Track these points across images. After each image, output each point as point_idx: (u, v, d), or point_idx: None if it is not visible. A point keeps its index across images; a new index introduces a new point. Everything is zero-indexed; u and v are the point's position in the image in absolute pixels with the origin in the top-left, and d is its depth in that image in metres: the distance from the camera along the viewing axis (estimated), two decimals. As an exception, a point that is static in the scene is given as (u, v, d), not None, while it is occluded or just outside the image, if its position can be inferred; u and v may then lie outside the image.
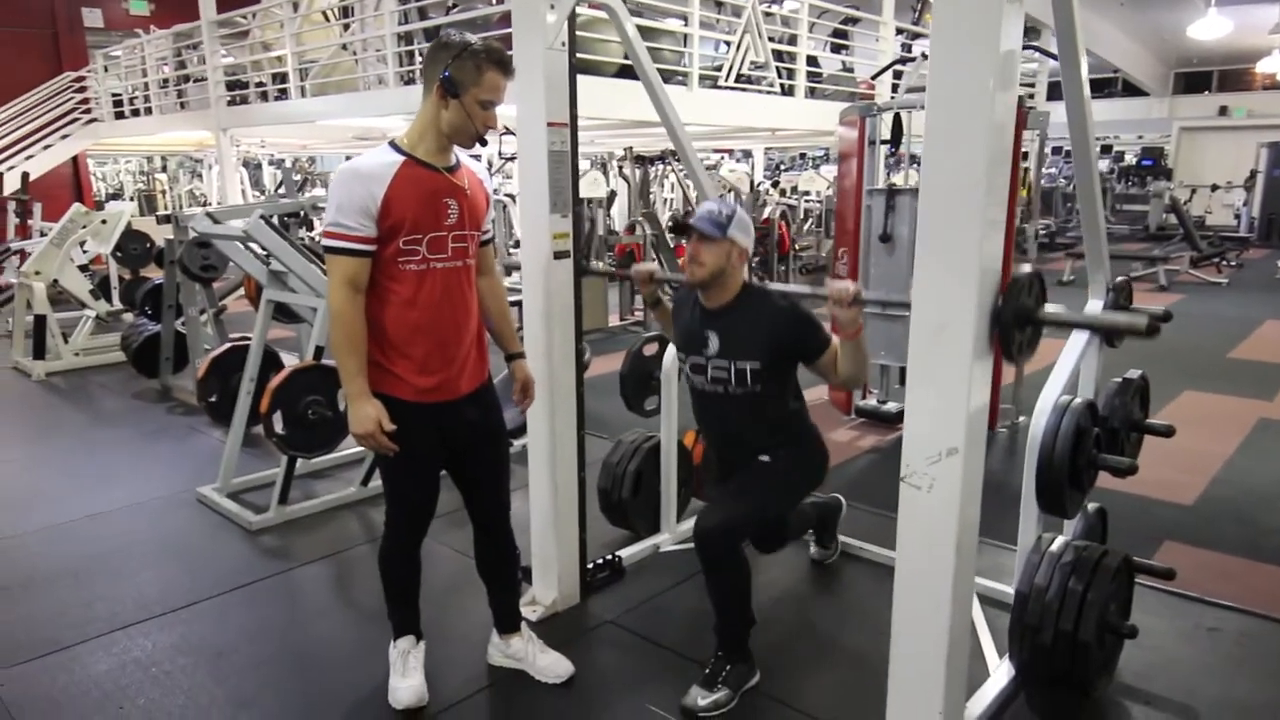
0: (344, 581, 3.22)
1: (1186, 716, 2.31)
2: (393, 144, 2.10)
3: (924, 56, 9.28)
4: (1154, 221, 15.33)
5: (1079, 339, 2.50)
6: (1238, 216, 16.50)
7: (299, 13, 8.41)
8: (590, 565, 2.98)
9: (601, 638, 2.73)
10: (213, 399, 4.18)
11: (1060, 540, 2.37)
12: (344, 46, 8.59)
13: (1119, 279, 2.63)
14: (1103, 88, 18.44)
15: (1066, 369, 2.42)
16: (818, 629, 2.81)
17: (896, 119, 4.60)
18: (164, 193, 16.12)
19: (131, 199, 16.19)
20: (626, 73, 6.85)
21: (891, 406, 4.91)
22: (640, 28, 7.49)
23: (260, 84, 9.02)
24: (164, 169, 17.11)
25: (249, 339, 4.36)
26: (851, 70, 10.49)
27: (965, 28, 1.66)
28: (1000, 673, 2.42)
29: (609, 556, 3.08)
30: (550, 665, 2.47)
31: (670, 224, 2.51)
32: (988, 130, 1.66)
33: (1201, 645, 2.65)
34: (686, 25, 7.38)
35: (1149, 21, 15.34)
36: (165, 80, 10.44)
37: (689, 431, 3.36)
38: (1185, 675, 2.49)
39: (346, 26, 8.70)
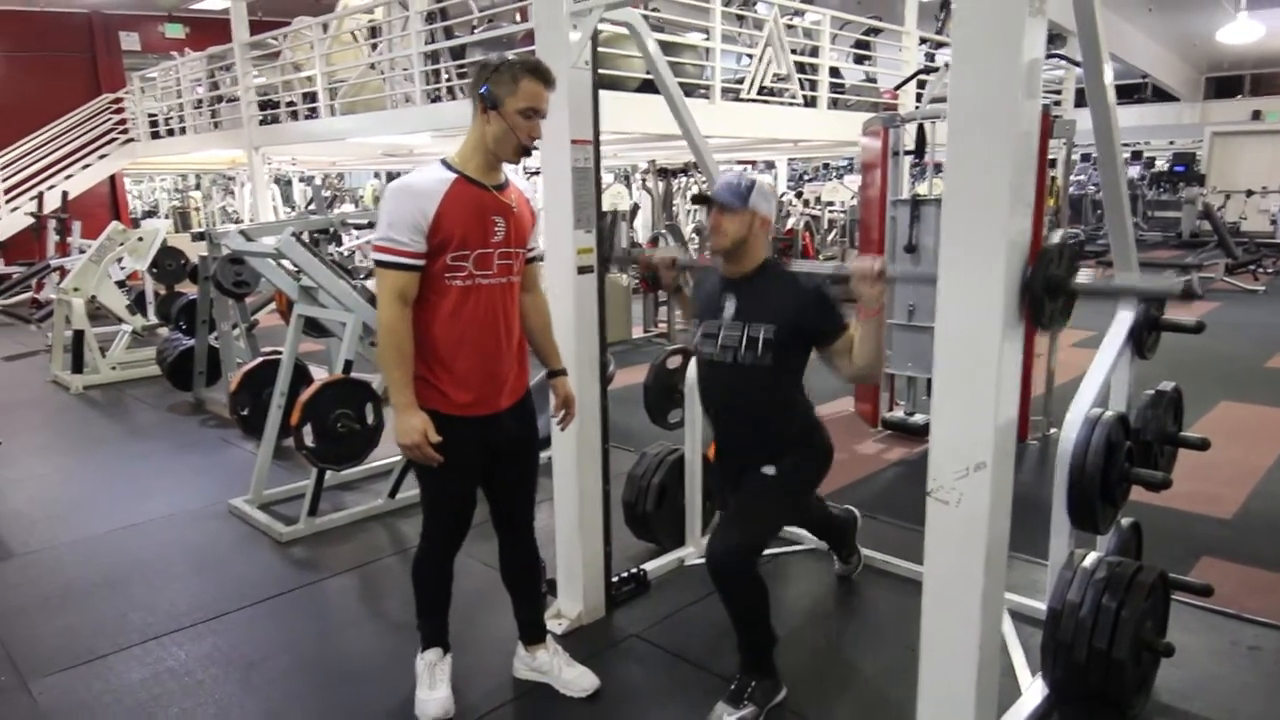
0: (372, 593, 3.25)
1: (1225, 736, 2.26)
2: (445, 162, 2.15)
3: (947, 66, 9.25)
4: (1186, 228, 15.09)
5: (1110, 349, 2.47)
6: (1274, 222, 16.19)
7: (328, 34, 8.56)
8: (615, 579, 2.98)
9: (627, 651, 2.73)
10: (244, 412, 4.24)
11: (1093, 556, 2.33)
12: (372, 66, 8.73)
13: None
14: (1132, 93, 18.22)
15: (1097, 381, 2.39)
16: (844, 645, 2.79)
17: (920, 129, 4.58)
18: (197, 210, 16.44)
19: (166, 216, 16.52)
20: (648, 87, 6.88)
21: (919, 418, 4.87)
22: (662, 43, 7.55)
23: (290, 103, 9.19)
24: (197, 186, 17.46)
25: (280, 353, 4.44)
26: (874, 81, 10.48)
27: (988, 39, 1.65)
28: (1033, 691, 2.38)
29: (634, 570, 3.08)
30: (576, 679, 2.47)
31: (692, 198, 2.47)
32: (1012, 141, 1.65)
33: (1241, 664, 2.59)
34: (708, 39, 7.41)
35: (1178, 26, 15.13)
36: (199, 101, 10.66)
37: (712, 444, 3.35)
38: (1225, 695, 2.43)
39: (374, 47, 8.83)
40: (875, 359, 2.23)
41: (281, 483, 4.11)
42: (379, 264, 2.06)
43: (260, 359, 4.31)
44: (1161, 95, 18.08)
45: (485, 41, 7.09)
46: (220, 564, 3.45)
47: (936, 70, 5.33)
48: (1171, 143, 19.32)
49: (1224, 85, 19.23)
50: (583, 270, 2.66)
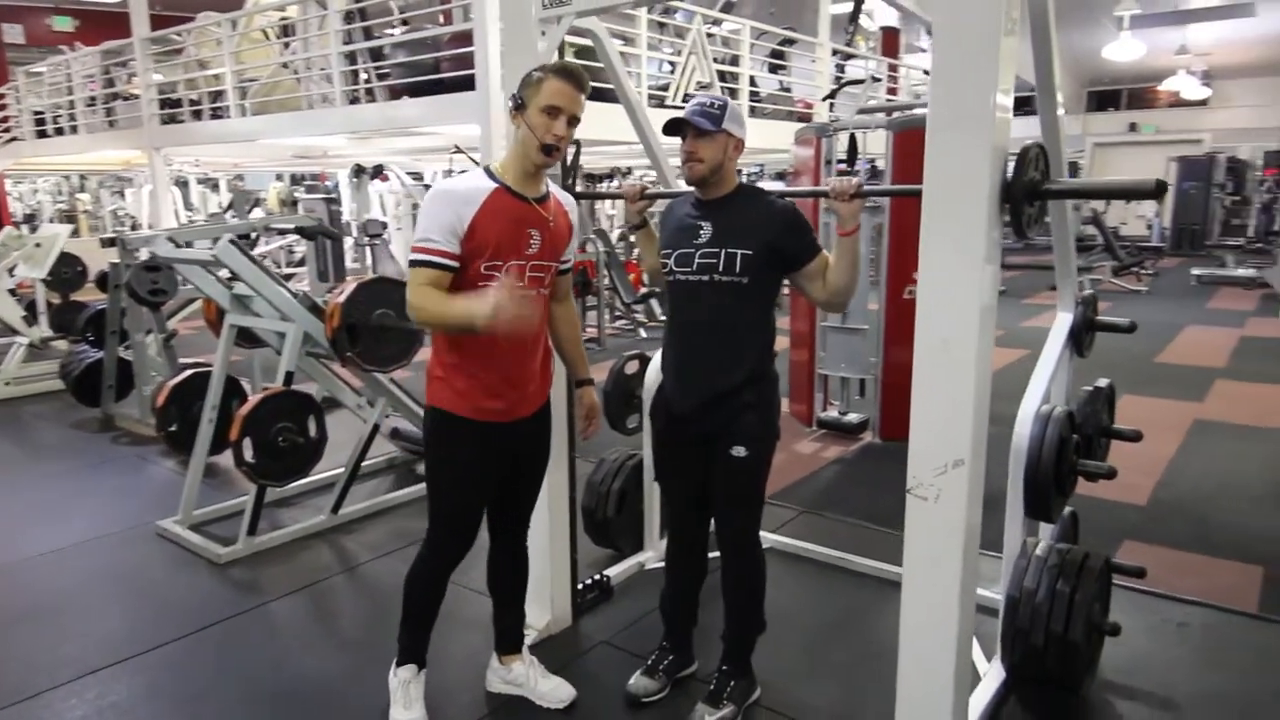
0: (323, 613, 3.14)
1: (1169, 709, 2.42)
2: (488, 170, 2.16)
3: (874, 79, 9.58)
4: (1074, 233, 16.04)
5: (1053, 349, 2.62)
6: (1150, 227, 17.41)
7: (237, 31, 8.22)
8: (580, 586, 2.97)
9: (598, 659, 2.73)
10: (172, 428, 4.03)
11: (1045, 544, 2.47)
12: (285, 65, 8.44)
13: (1085, 292, 2.77)
14: (1022, 105, 19.20)
15: (1044, 379, 2.53)
16: (807, 641, 2.85)
17: (852, 139, 4.74)
18: (86, 213, 15.48)
19: (51, 220, 15.49)
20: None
21: (853, 417, 5.02)
22: (584, 48, 7.57)
23: (195, 102, 8.77)
24: (83, 189, 16.45)
25: (205, 365, 4.24)
26: (789, 90, 10.75)
27: (966, 59, 1.73)
28: (991, 675, 2.49)
29: (597, 576, 3.07)
30: (552, 690, 2.46)
31: (664, 126, 2.38)
32: (989, 153, 1.73)
33: (1172, 639, 2.78)
34: (633, 46, 7.46)
35: (1064, 42, 16.09)
36: (93, 98, 10.06)
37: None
38: (1161, 670, 2.61)
39: (287, 46, 8.54)
40: (849, 281, 2.23)
41: (210, 502, 3.92)
42: (414, 263, 2.07)
43: (190, 372, 4.11)
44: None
45: (410, 43, 6.95)
46: (155, 590, 3.27)
47: (863, 82, 5.52)
48: (1057, 152, 20.47)
49: (1104, 99, 20.57)
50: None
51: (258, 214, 9.87)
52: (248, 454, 3.38)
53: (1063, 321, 2.68)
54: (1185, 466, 4.42)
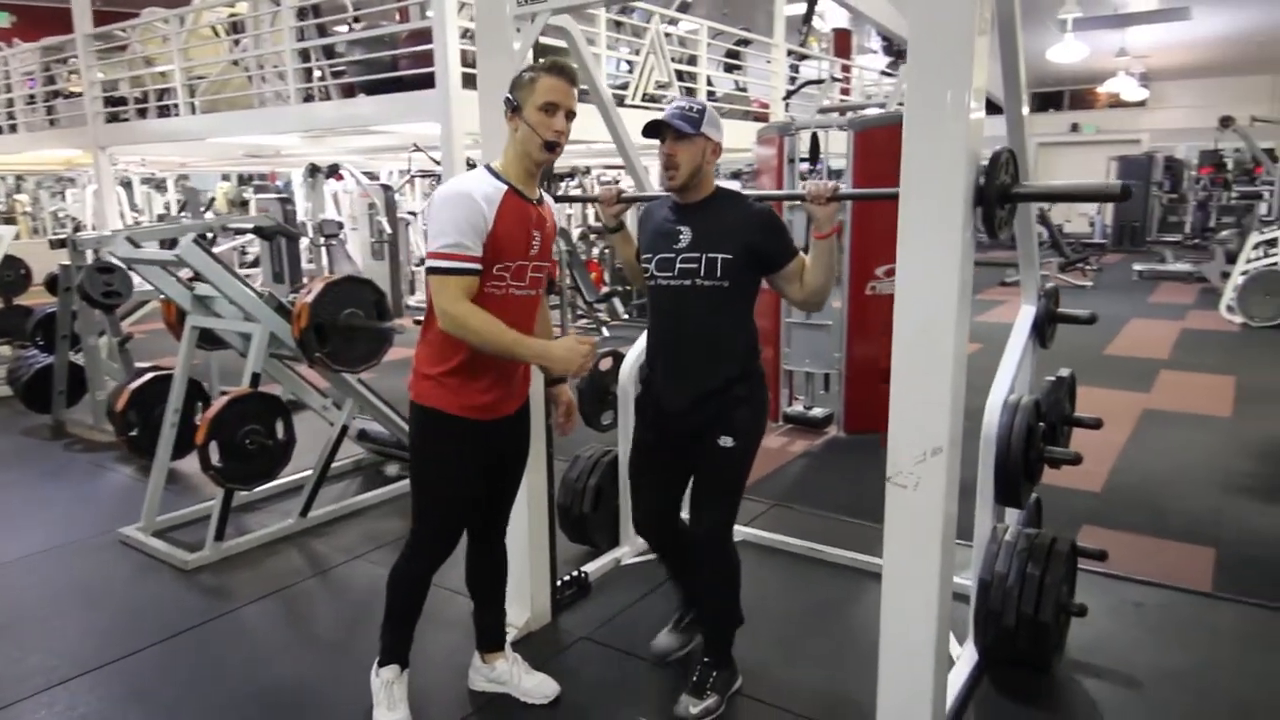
0: (297, 618, 3.10)
1: (1132, 686, 2.52)
2: (492, 170, 2.15)
3: (833, 79, 9.73)
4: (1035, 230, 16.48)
5: (1018, 340, 2.71)
6: (1092, 224, 17.97)
7: (185, 27, 8.03)
8: (558, 583, 2.98)
9: (580, 654, 2.74)
10: (133, 433, 3.93)
11: (1014, 529, 2.55)
12: (235, 63, 8.27)
13: (1048, 285, 2.86)
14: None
15: (1011, 369, 2.61)
16: (783, 630, 2.89)
17: (814, 138, 4.81)
18: (26, 215, 14.95)
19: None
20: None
21: (818, 412, 5.10)
22: (544, 46, 7.56)
23: (140, 100, 8.54)
24: (19, 189, 15.87)
25: (164, 368, 4.15)
26: (745, 90, 10.84)
27: (941, 63, 1.79)
28: (965, 658, 2.57)
29: (575, 573, 3.09)
30: (536, 686, 2.47)
31: (644, 129, 2.41)
32: (965, 151, 1.79)
33: (1130, 619, 2.90)
34: (592, 45, 7.47)
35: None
36: (32, 96, 9.73)
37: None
38: (1121, 648, 2.71)
39: (237, 43, 8.37)
40: (826, 281, 2.29)
41: (173, 508, 3.84)
42: (443, 271, 2.02)
43: (151, 375, 4.01)
44: (993, 108, 19.59)
45: (367, 40, 6.87)
46: (121, 598, 3.20)
47: (823, 82, 5.60)
48: (1003, 152, 21.00)
49: (1046, 99, 21.14)
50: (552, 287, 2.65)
51: (210, 215, 9.64)
52: (215, 458, 3.32)
53: (1026, 314, 2.77)
54: (1137, 454, 4.59)
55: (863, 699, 2.30)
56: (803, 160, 4.88)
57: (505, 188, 2.11)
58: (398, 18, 7.77)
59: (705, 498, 2.40)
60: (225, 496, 3.43)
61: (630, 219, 2.74)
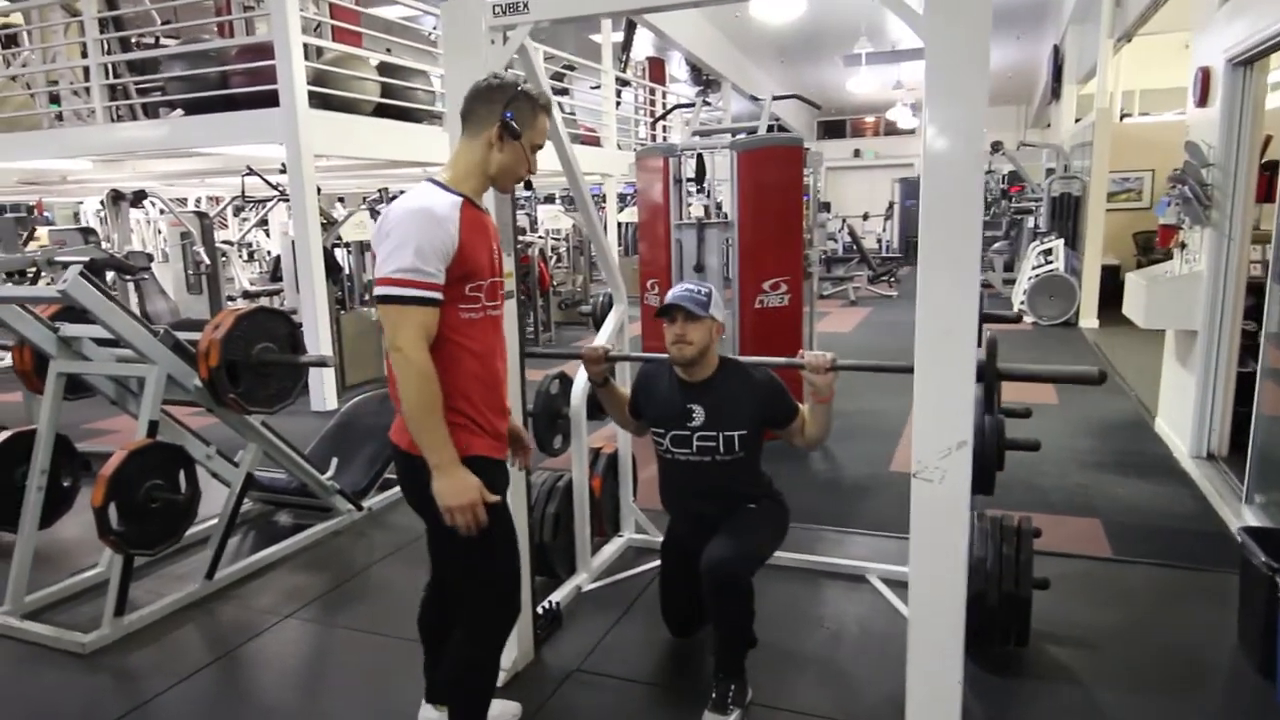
0: (239, 693, 2.74)
1: (1087, 647, 2.79)
2: (438, 183, 1.91)
3: (706, 103, 9.98)
4: (826, 247, 17.84)
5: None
6: (879, 241, 19.76)
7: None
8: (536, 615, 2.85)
9: (577, 689, 2.63)
10: (-15, 503, 3.32)
11: (980, 515, 2.75)
12: (13, 78, 7.32)
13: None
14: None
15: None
16: (774, 637, 2.88)
17: (700, 160, 4.97)
18: None
19: None
20: (383, 111, 6.61)
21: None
22: (393, 66, 7.28)
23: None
24: None
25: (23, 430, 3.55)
26: (574, 114, 10.98)
27: (958, 84, 1.94)
28: (947, 641, 2.72)
29: (547, 605, 2.97)
30: (497, 716, 2.31)
31: (656, 312, 2.54)
32: (977, 176, 1.97)
33: (1061, 588, 3.17)
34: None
35: (802, 76, 17.91)
36: None
37: (595, 478, 3.36)
38: (1067, 615, 2.98)
39: (16, 55, 7.39)
40: (825, 432, 2.58)
41: (38, 586, 3.27)
42: (400, 299, 1.76)
43: (11, 432, 3.41)
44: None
45: (195, 54, 6.29)
46: (11, 697, 2.68)
47: (693, 105, 5.80)
48: (800, 175, 22.80)
49: (831, 128, 23.07)
50: (507, 295, 2.53)
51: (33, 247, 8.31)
52: (114, 521, 2.88)
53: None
54: (999, 442, 5.08)
55: (862, 692, 2.42)
56: (689, 180, 5.02)
57: (460, 199, 1.88)
58: (217, 31, 7.22)
59: (729, 533, 2.47)
60: (125, 564, 2.99)
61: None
